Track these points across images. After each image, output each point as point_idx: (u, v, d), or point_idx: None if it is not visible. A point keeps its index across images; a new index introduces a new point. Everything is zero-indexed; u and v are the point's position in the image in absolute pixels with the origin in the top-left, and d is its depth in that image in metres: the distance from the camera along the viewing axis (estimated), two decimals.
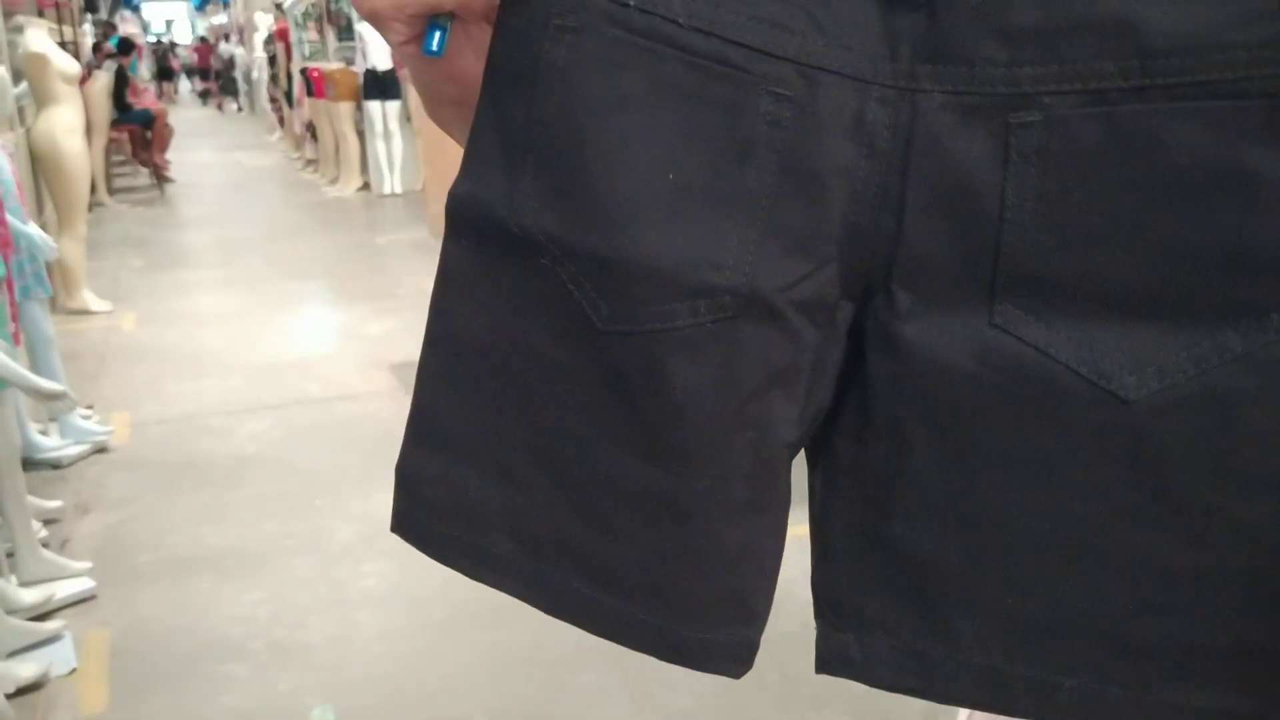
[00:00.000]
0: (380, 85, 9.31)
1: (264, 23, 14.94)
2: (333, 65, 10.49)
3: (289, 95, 12.53)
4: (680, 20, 0.51)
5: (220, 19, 26.71)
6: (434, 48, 0.58)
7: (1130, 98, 0.47)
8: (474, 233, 0.57)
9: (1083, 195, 0.48)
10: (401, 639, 2.64)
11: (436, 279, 0.59)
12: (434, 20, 0.58)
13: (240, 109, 21.05)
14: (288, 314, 5.78)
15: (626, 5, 0.52)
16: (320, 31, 12.00)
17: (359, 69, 9.54)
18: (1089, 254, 0.49)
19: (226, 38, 24.33)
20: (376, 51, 9.18)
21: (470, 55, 0.60)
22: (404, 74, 9.29)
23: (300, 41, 12.57)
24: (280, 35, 12.89)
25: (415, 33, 0.58)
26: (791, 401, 0.55)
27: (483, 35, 0.58)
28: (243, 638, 2.66)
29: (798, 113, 0.51)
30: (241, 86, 20.01)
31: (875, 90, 0.50)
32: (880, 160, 0.51)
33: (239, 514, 3.36)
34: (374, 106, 9.37)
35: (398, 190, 9.62)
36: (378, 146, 9.56)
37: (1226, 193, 0.46)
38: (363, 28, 9.51)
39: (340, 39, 11.37)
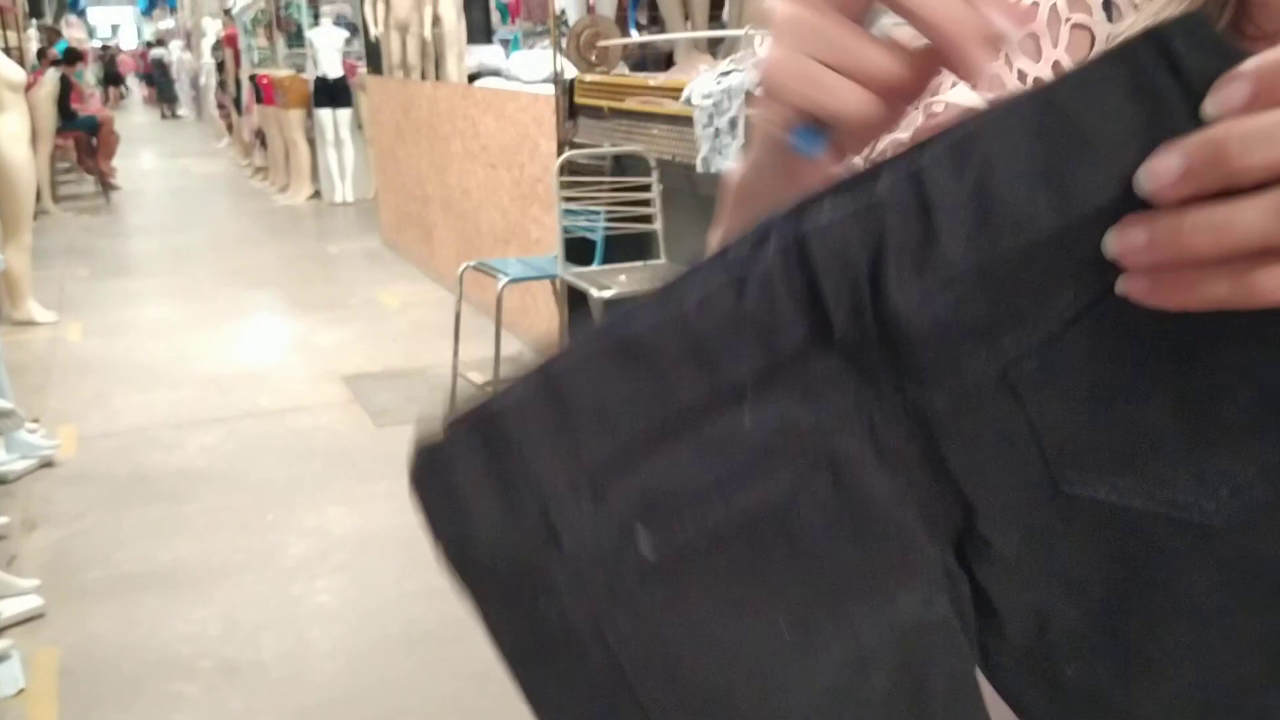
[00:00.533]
0: (331, 92, 9.26)
1: (211, 28, 14.80)
2: (282, 72, 10.40)
3: (238, 102, 12.42)
4: None
5: (167, 23, 26.40)
6: (800, 145, 0.56)
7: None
8: None
9: (1100, 369, 0.49)
10: (355, 656, 2.63)
11: None
12: (813, 125, 0.56)
13: (174, 115, 20.84)
14: (237, 324, 5.72)
15: None
16: (269, 37, 11.90)
17: (309, 76, 9.46)
18: (1127, 409, 0.49)
19: (160, 42, 24.07)
20: (327, 59, 9.12)
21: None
22: (355, 81, 9.27)
23: (249, 48, 12.46)
24: (228, 41, 12.77)
25: (789, 121, 0.57)
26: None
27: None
28: (193, 656, 2.64)
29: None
30: (189, 93, 19.80)
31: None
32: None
33: (189, 529, 3.33)
34: (325, 114, 9.31)
35: (349, 199, 9.57)
36: (329, 154, 9.50)
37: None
38: (313, 34, 9.45)
39: (290, 45, 11.26)
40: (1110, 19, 0.72)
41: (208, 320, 5.79)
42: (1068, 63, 0.72)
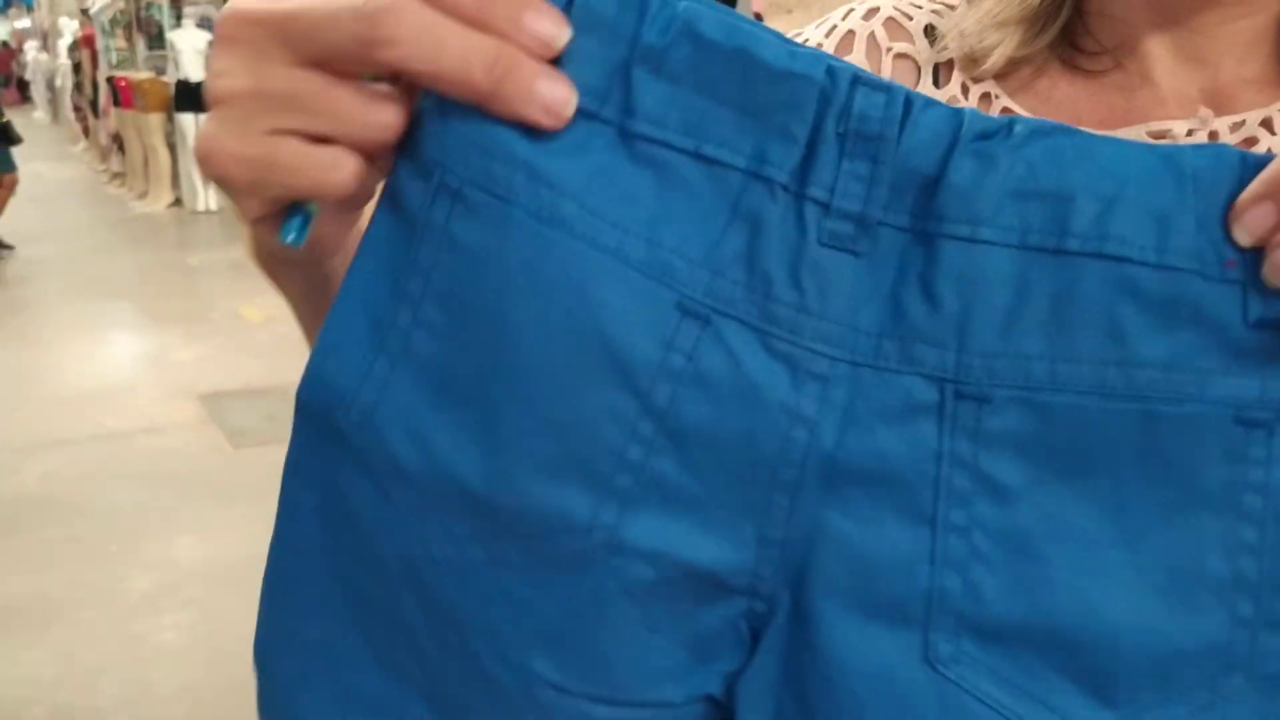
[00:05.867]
0: (193, 97, 8.94)
1: (69, 28, 14.24)
2: (142, 74, 10.03)
3: (94, 104, 11.94)
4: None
5: (24, 23, 25.42)
6: (290, 238, 0.49)
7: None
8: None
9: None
10: (201, 700, 2.47)
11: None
12: (297, 205, 0.49)
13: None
14: (87, 339, 5.43)
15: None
16: (129, 39, 11.47)
17: (170, 79, 9.16)
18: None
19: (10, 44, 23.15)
20: (189, 61, 8.82)
21: (328, 222, 0.52)
22: None
23: (107, 49, 12.00)
24: (85, 42, 12.28)
25: (270, 213, 0.49)
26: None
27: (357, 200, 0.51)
28: (22, 702, 2.45)
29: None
30: (44, 94, 19.05)
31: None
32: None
33: (23, 562, 3.11)
34: (187, 119, 9.01)
35: (212, 207, 9.23)
36: (191, 160, 9.16)
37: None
38: (174, 36, 9.13)
39: (150, 47, 10.87)
40: (932, 45, 0.67)
41: (53, 336, 5.49)
42: None
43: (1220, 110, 0.62)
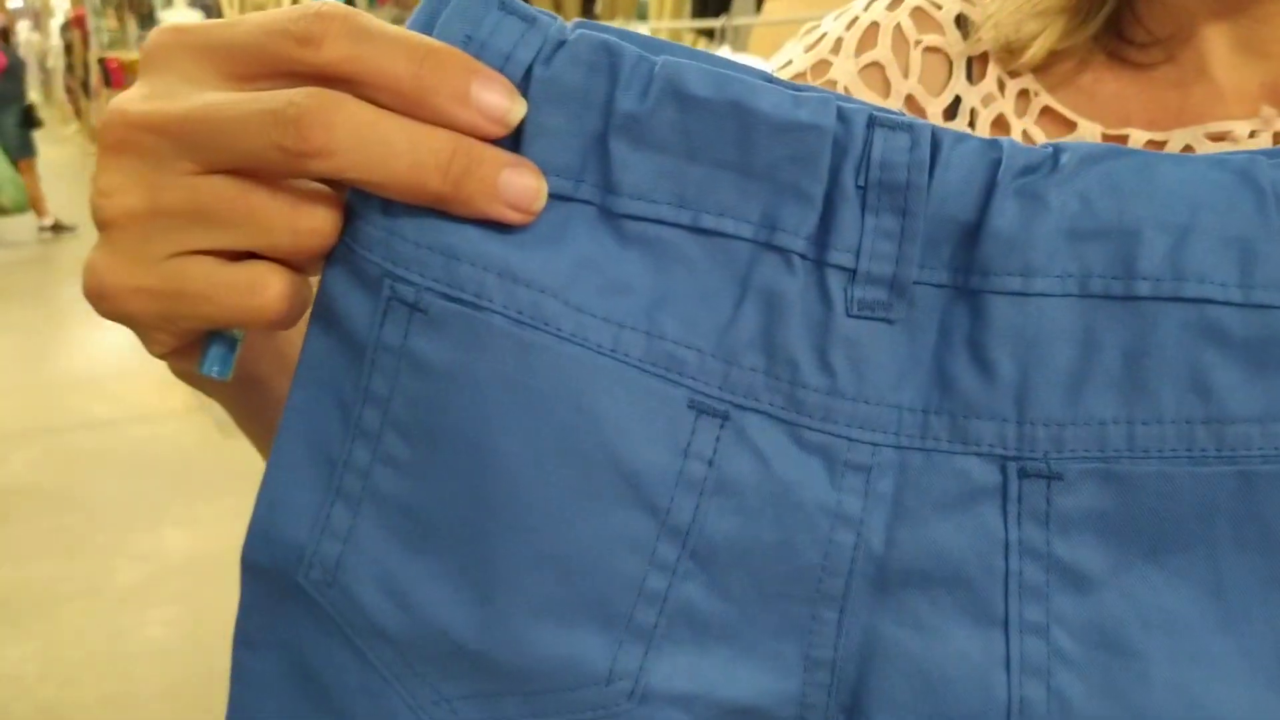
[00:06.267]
0: None
1: (60, 8, 14.19)
2: (133, 55, 9.94)
3: (86, 85, 11.87)
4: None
5: (16, 3, 25.29)
6: (214, 371, 0.42)
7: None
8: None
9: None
10: (187, 697, 2.42)
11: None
12: (217, 334, 0.42)
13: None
14: (76, 325, 5.38)
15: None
16: (120, 19, 11.40)
17: None
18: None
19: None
20: None
21: (260, 342, 0.46)
22: None
23: (99, 29, 11.91)
24: (76, 22, 12.19)
25: (183, 345, 0.42)
26: None
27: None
28: (5, 699, 2.40)
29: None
30: (37, 75, 18.96)
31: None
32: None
33: (7, 554, 3.06)
34: None
35: None
36: None
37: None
38: (166, 16, 9.05)
39: (142, 27, 10.82)
40: (965, 37, 0.61)
41: (41, 321, 5.44)
42: (922, 95, 0.61)
43: None
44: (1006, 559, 0.42)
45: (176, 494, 3.41)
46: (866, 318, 0.43)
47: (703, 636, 0.43)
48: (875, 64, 0.61)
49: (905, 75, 0.61)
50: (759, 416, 0.43)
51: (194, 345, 0.43)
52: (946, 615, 0.43)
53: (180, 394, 4.26)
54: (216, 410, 4.21)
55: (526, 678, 0.42)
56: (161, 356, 0.43)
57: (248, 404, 0.51)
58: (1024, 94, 0.60)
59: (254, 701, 0.45)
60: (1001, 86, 0.60)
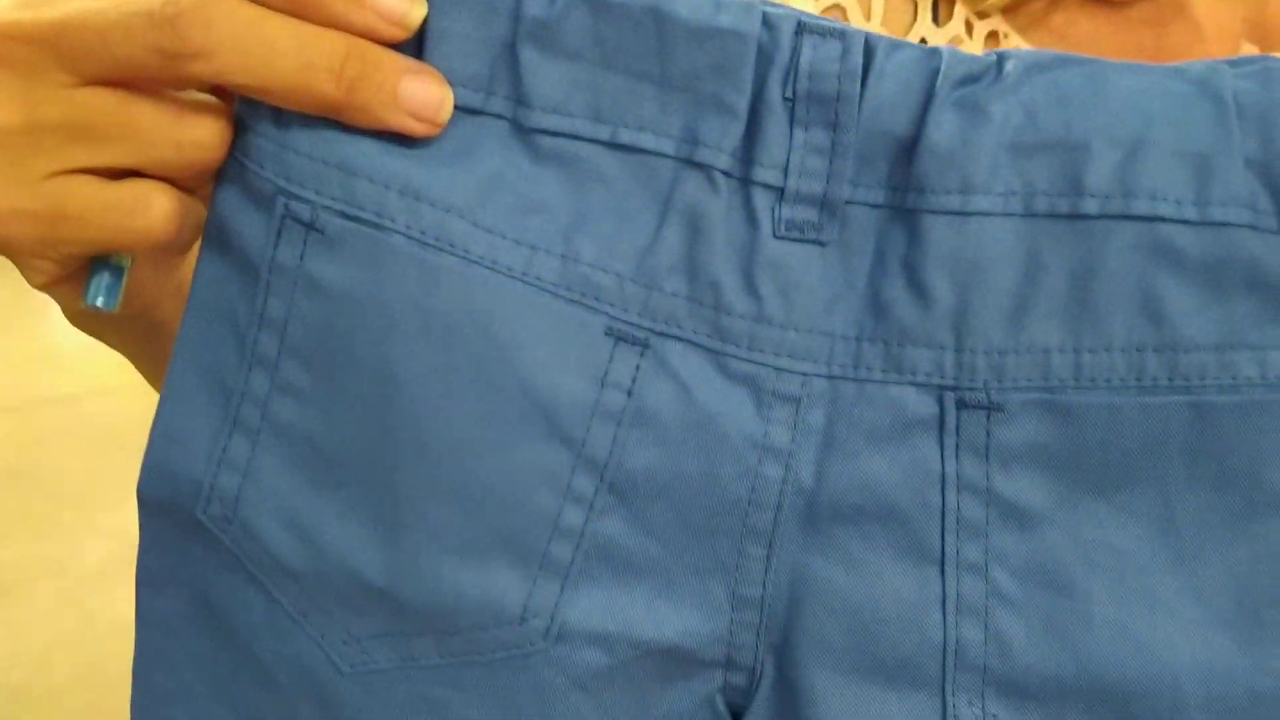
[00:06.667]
0: None
1: None
2: None
3: None
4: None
5: None
6: (100, 302, 0.40)
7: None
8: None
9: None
10: None
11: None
12: (102, 260, 0.40)
13: None
14: (32, 298, 5.28)
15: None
16: None
17: None
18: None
19: None
20: None
21: (146, 263, 0.43)
22: None
23: None
24: None
25: (67, 273, 0.40)
26: None
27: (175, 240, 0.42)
28: None
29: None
30: None
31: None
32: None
33: None
34: None
35: None
36: None
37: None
38: None
39: None
40: None
41: (2, 293, 5.38)
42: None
43: (1267, 45, 0.55)
44: (943, 494, 0.40)
45: None
46: (795, 239, 0.40)
47: (623, 573, 0.41)
48: (837, 6, 0.58)
49: (867, 18, 0.58)
50: (681, 344, 0.41)
51: (78, 276, 0.40)
52: (880, 552, 0.41)
53: None
54: None
55: (437, 617, 0.40)
56: (44, 288, 0.41)
57: (152, 352, 0.50)
58: (993, 35, 0.57)
59: (160, 643, 0.44)
60: (969, 28, 0.58)
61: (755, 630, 0.42)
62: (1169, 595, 0.39)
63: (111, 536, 2.97)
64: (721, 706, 0.43)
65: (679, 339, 0.41)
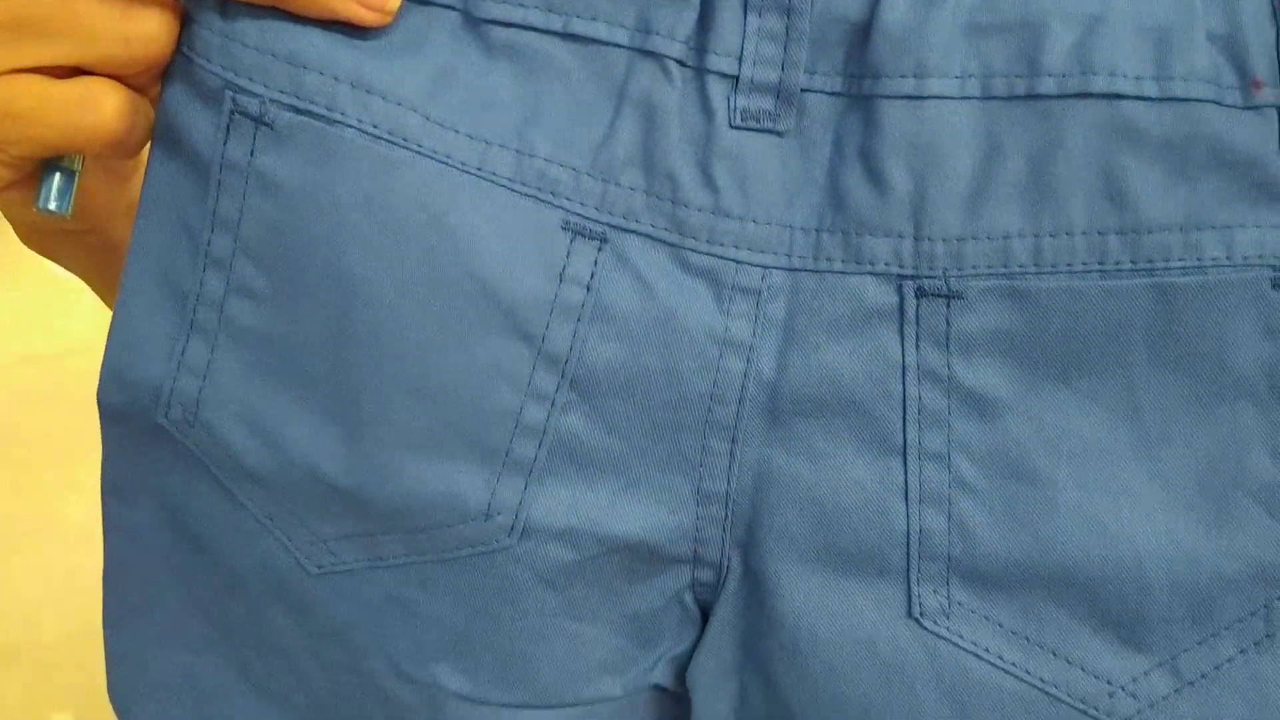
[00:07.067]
0: None
1: None
2: None
3: None
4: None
5: None
6: (52, 205, 0.40)
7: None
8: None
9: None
10: None
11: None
12: (53, 163, 0.40)
13: None
14: (7, 256, 5.23)
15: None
16: None
17: None
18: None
19: None
20: None
21: (97, 176, 0.43)
22: None
23: None
24: None
25: (19, 176, 0.40)
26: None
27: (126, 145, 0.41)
28: None
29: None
30: None
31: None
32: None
33: None
34: None
35: None
36: None
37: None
38: None
39: None
40: None
41: None
42: None
43: None
44: (904, 384, 0.40)
45: None
46: (752, 129, 0.40)
47: (587, 470, 0.42)
48: None
49: None
50: (640, 239, 0.41)
51: (29, 183, 0.40)
52: (842, 443, 0.41)
53: None
54: None
55: (402, 516, 0.41)
56: None
57: (107, 274, 0.49)
58: None
59: (128, 553, 0.44)
60: None
61: (721, 525, 0.42)
62: (1133, 481, 0.39)
63: (94, 494, 2.94)
64: (691, 603, 0.44)
65: (637, 233, 0.41)
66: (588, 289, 0.40)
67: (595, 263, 0.40)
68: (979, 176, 0.39)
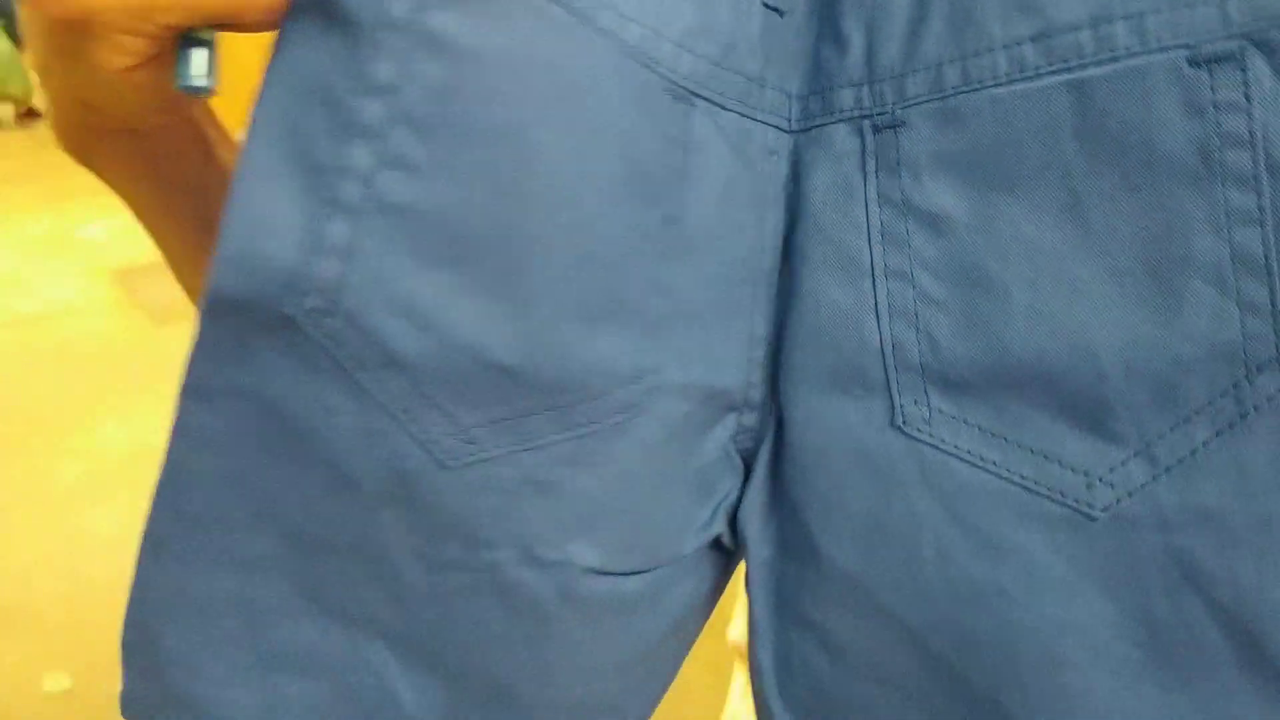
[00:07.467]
0: None
1: None
2: None
3: None
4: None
5: None
6: (203, 82, 0.36)
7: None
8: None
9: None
10: None
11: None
12: (192, 37, 0.36)
13: None
14: None
15: None
16: None
17: None
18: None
19: None
20: None
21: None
22: None
23: None
24: None
25: (156, 52, 0.37)
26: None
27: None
28: None
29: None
30: None
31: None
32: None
33: None
34: None
35: None
36: None
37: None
38: None
39: None
40: None
41: None
42: None
43: None
44: (866, 211, 0.43)
45: (111, 388, 3.33)
46: (772, 9, 0.44)
47: (691, 324, 0.44)
48: None
49: None
50: (709, 105, 0.43)
51: (162, 59, 0.38)
52: (828, 274, 0.44)
53: (103, 285, 4.14)
54: (148, 298, 4.10)
55: (562, 390, 0.40)
56: (126, 71, 0.38)
57: (145, 179, 0.47)
58: None
59: (196, 458, 0.41)
60: None
61: (761, 365, 0.45)
62: (1083, 276, 0.40)
63: (83, 456, 2.95)
64: (734, 452, 0.47)
65: (708, 100, 0.43)
66: (684, 150, 0.42)
67: (686, 128, 0.42)
68: (914, 17, 0.42)
